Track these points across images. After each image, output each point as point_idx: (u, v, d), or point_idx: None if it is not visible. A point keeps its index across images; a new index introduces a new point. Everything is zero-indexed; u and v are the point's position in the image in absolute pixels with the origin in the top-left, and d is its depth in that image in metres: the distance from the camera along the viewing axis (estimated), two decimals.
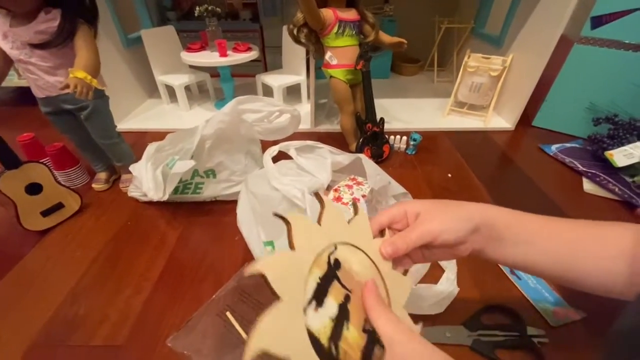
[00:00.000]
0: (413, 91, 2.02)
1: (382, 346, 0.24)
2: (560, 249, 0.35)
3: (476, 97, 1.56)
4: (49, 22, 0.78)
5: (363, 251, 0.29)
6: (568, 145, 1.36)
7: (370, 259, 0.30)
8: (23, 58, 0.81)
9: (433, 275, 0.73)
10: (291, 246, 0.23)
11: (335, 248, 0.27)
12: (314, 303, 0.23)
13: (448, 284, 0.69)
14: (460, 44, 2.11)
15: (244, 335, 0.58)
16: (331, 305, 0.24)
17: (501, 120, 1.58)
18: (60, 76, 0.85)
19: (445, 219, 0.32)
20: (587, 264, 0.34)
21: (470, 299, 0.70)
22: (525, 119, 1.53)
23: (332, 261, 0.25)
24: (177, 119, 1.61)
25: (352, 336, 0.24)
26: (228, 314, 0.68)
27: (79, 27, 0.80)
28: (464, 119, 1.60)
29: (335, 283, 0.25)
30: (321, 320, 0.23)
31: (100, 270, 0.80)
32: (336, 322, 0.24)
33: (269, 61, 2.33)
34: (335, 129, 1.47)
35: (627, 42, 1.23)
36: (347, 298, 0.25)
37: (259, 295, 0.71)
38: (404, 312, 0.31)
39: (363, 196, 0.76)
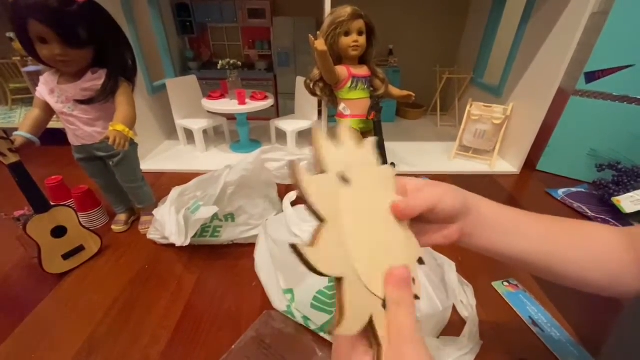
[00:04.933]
0: (418, 134, 2.12)
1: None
2: (549, 239, 0.36)
3: (481, 143, 1.63)
4: (94, 80, 0.86)
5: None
6: (574, 190, 1.39)
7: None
8: (66, 111, 0.88)
9: (454, 326, 0.72)
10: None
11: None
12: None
13: (471, 337, 0.68)
14: (461, 92, 2.25)
15: None
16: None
17: (506, 164, 1.64)
18: (97, 127, 0.91)
19: (444, 189, 0.35)
20: (580, 255, 0.36)
21: (495, 354, 0.69)
22: (530, 162, 1.58)
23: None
24: (193, 160, 1.68)
25: None
26: None
27: (120, 84, 0.89)
28: (469, 163, 1.66)
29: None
30: None
31: (117, 317, 0.80)
32: None
33: (281, 106, 2.49)
34: None
35: (621, 95, 1.31)
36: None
37: (279, 347, 0.70)
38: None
39: None
